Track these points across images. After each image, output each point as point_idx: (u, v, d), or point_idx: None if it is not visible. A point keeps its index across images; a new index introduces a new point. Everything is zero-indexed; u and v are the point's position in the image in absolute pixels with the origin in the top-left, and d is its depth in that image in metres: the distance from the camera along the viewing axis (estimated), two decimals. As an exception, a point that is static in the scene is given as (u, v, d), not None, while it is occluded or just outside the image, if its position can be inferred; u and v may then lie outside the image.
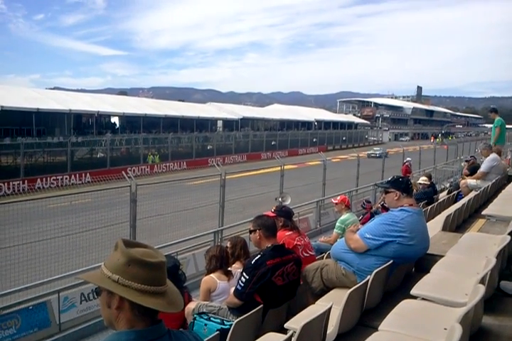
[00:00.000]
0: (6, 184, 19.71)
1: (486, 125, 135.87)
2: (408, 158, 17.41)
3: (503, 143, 12.81)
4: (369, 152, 34.77)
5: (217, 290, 4.23)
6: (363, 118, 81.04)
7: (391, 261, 3.56)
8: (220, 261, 4.39)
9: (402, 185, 3.83)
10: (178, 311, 1.51)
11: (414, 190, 12.01)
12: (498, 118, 12.05)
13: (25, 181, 20.36)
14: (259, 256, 3.62)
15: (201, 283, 4.36)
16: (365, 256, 3.67)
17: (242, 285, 3.54)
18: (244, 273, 3.58)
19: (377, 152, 31.51)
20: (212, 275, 4.34)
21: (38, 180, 21.22)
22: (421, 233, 3.73)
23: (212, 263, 4.40)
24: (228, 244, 4.81)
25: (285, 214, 5.00)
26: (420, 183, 11.51)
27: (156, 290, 1.43)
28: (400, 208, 3.72)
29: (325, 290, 3.84)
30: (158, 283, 1.45)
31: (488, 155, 8.94)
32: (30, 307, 6.52)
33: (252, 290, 3.51)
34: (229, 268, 4.55)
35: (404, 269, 3.94)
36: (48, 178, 21.84)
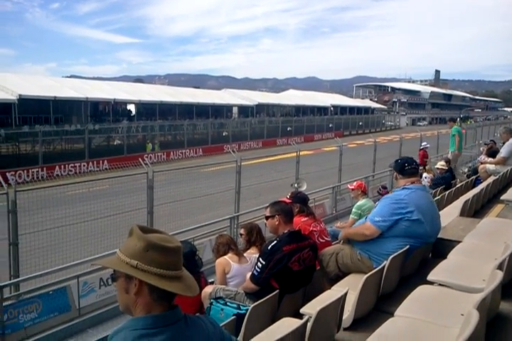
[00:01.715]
0: (25, 171, 19.97)
1: (506, 109, 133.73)
2: (424, 143, 17.14)
3: (461, 150, 13.68)
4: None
5: (232, 272, 4.28)
6: (380, 103, 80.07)
7: (407, 247, 3.55)
8: (227, 246, 4.46)
9: (397, 166, 4.01)
10: (195, 295, 1.53)
11: (432, 175, 11.96)
12: (455, 127, 12.33)
13: (44, 168, 20.58)
14: (275, 241, 3.64)
15: (216, 266, 4.40)
16: (379, 240, 3.68)
17: (259, 270, 3.56)
18: (260, 259, 3.61)
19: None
20: (225, 256, 4.39)
21: (57, 167, 21.45)
22: (427, 207, 3.79)
23: (220, 250, 4.48)
24: (242, 231, 4.83)
25: (301, 200, 5.00)
26: (438, 168, 11.39)
27: (174, 274, 1.45)
28: (402, 187, 3.87)
29: (340, 275, 3.86)
30: (175, 267, 1.47)
31: (508, 140, 8.78)
32: (51, 292, 6.65)
33: (268, 275, 3.54)
34: (245, 254, 4.59)
35: (421, 254, 3.93)
36: (66, 165, 22.06)
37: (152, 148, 28.53)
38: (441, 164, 11.52)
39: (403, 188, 3.84)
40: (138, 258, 1.44)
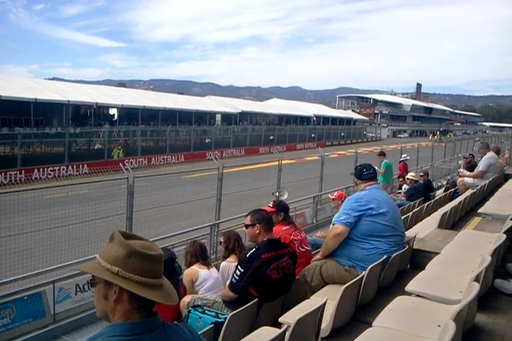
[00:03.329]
0: (2, 174, 19.61)
1: (485, 123, 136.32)
2: (404, 155, 17.39)
3: (389, 182, 14.15)
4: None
5: (200, 279, 4.30)
6: (362, 114, 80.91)
7: (384, 257, 3.59)
8: (195, 256, 4.48)
9: (357, 172, 4.30)
10: (175, 304, 1.52)
11: (406, 186, 12.21)
12: (385, 160, 13.03)
13: (22, 171, 20.26)
14: (254, 249, 3.64)
15: (183, 276, 4.40)
16: (353, 243, 3.79)
17: (237, 278, 3.55)
18: (239, 266, 3.60)
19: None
20: (192, 266, 4.41)
21: (35, 170, 21.11)
22: (385, 200, 4.05)
23: (187, 259, 4.50)
24: (221, 239, 4.85)
25: (284, 208, 5.01)
26: (408, 178, 11.71)
27: (155, 282, 1.44)
28: (361, 190, 4.16)
29: (325, 288, 3.87)
30: (156, 275, 1.45)
31: (485, 154, 8.95)
32: (25, 298, 6.51)
33: (246, 283, 3.53)
34: (224, 262, 4.59)
35: (398, 264, 3.96)
36: (45, 169, 21.72)
37: (118, 155, 26.78)
38: (411, 175, 11.88)
39: (361, 190, 4.14)
40: (119, 265, 1.42)
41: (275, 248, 3.68)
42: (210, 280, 4.31)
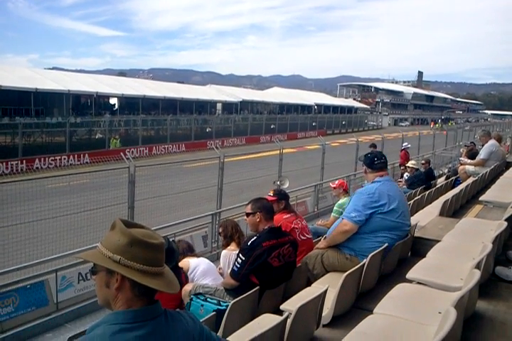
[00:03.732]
0: (4, 164, 19.63)
1: (486, 111, 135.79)
2: (405, 143, 17.37)
3: None
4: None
5: (191, 267, 4.34)
6: (364, 103, 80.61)
7: (386, 244, 3.59)
8: (183, 253, 4.51)
9: (367, 160, 4.12)
10: (176, 292, 1.52)
11: (407, 174, 12.21)
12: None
13: (24, 161, 20.28)
14: (255, 237, 3.65)
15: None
16: (359, 237, 3.74)
17: (239, 266, 3.57)
18: (240, 255, 3.61)
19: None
20: (185, 259, 4.45)
21: (37, 160, 21.14)
22: (397, 195, 3.92)
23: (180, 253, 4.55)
24: (220, 229, 4.89)
25: (284, 197, 5.01)
26: (409, 167, 11.69)
27: (156, 270, 1.44)
28: (371, 181, 3.99)
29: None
30: (158, 263, 1.46)
31: (487, 142, 8.92)
32: (28, 286, 6.56)
33: (248, 271, 3.55)
34: (225, 250, 4.62)
35: (400, 253, 3.97)
36: (47, 158, 21.74)
37: (116, 145, 26.61)
38: (411, 163, 11.84)
39: (373, 182, 3.96)
40: (121, 253, 1.42)
41: (276, 236, 3.69)
42: (201, 265, 4.35)
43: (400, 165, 15.49)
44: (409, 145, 17.17)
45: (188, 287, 3.94)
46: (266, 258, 3.54)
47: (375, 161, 4.07)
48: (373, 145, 14.11)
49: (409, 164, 11.93)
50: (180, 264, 4.41)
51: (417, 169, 11.68)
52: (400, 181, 12.71)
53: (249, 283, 3.52)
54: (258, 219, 3.83)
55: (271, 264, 3.57)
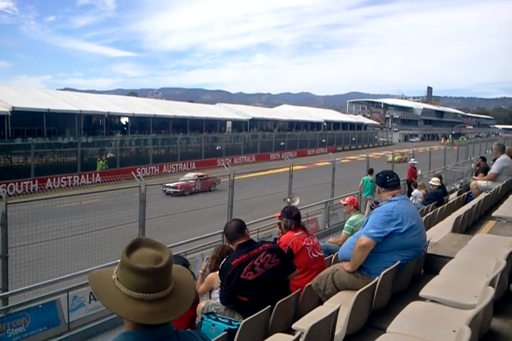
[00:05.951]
0: (17, 184, 19.87)
1: (497, 126, 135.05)
2: (412, 159, 17.31)
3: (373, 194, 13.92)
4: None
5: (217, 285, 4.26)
6: (373, 119, 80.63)
7: (398, 262, 3.56)
8: (219, 262, 4.40)
9: (379, 180, 4.11)
10: (171, 319, 1.44)
11: (424, 191, 12.07)
12: (368, 177, 13.82)
13: (36, 181, 20.53)
14: (225, 259, 3.81)
15: (206, 279, 4.39)
16: (375, 255, 3.69)
17: (220, 289, 3.69)
18: (218, 278, 3.75)
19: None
20: (216, 272, 4.34)
21: (48, 179, 21.38)
22: (414, 215, 3.92)
23: (212, 264, 4.48)
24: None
25: (286, 214, 4.98)
26: (431, 184, 11.50)
27: (142, 297, 1.37)
28: (387, 200, 3.95)
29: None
30: (147, 289, 1.38)
31: (499, 156, 8.86)
32: (40, 306, 6.57)
33: (227, 292, 3.62)
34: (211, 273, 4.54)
35: (413, 270, 3.93)
36: (58, 178, 21.98)
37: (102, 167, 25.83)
38: (434, 180, 11.63)
39: (389, 201, 3.92)
40: (118, 274, 1.42)
41: (246, 250, 3.71)
42: None
43: (407, 181, 15.38)
44: (415, 162, 17.14)
45: (201, 304, 3.94)
46: (238, 276, 3.57)
47: (388, 180, 4.06)
48: (371, 172, 14.07)
49: (432, 182, 11.70)
50: (211, 276, 4.32)
51: (439, 187, 11.39)
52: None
53: (241, 302, 3.59)
54: (227, 243, 4.10)
55: (246, 279, 3.58)
